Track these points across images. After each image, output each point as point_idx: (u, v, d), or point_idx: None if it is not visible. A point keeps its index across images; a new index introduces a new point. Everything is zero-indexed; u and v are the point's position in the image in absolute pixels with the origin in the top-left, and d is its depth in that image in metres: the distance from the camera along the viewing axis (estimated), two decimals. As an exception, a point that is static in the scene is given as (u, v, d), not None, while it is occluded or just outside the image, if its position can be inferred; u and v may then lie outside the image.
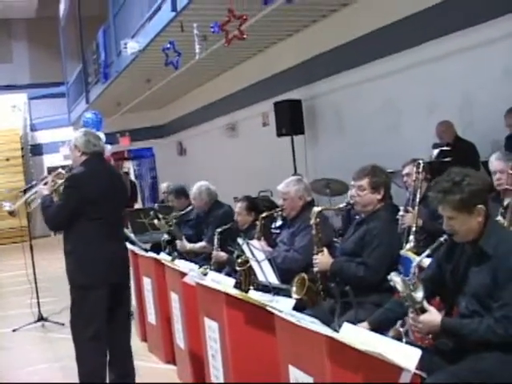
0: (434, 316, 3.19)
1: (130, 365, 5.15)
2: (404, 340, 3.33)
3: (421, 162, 5.78)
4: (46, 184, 5.20)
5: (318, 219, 4.72)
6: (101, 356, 4.89)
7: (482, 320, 3.08)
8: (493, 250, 3.14)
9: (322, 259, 4.58)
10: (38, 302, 8.55)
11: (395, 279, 3.21)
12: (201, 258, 7.10)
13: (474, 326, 3.07)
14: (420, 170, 5.70)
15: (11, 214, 5.76)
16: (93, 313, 4.80)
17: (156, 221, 8.17)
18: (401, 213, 5.72)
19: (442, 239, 3.35)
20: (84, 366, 4.86)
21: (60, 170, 5.36)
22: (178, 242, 7.42)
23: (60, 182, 5.18)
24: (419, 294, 3.19)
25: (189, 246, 7.27)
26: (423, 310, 3.20)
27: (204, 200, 7.26)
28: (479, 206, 3.17)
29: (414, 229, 5.43)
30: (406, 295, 3.20)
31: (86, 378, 4.84)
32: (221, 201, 7.60)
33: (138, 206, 17.26)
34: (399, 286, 3.20)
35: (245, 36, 8.62)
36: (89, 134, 5.09)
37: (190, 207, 7.68)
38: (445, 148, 6.92)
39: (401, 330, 3.42)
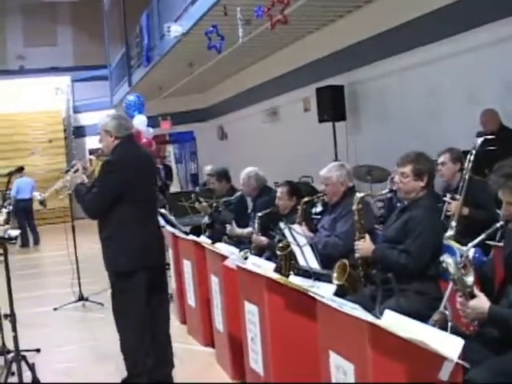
0: (482, 302, 3.12)
1: (169, 350, 5.11)
2: (449, 324, 3.27)
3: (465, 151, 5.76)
4: (76, 172, 5.07)
5: (360, 205, 4.68)
6: (144, 344, 4.82)
7: None
8: None
9: (364, 245, 4.54)
10: (79, 282, 8.68)
11: (447, 261, 3.15)
12: (240, 243, 7.09)
13: None
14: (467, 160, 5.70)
15: (42, 203, 5.63)
16: (134, 298, 4.76)
17: (197, 203, 8.16)
18: (447, 199, 5.70)
19: (498, 224, 3.31)
20: (129, 355, 4.83)
21: (90, 156, 5.31)
22: (227, 226, 7.38)
23: (91, 168, 5.13)
24: (470, 279, 3.14)
25: (238, 230, 7.22)
26: (472, 296, 3.14)
27: (252, 186, 7.21)
28: None
29: (456, 217, 5.40)
30: (457, 278, 3.14)
31: (132, 367, 4.82)
32: (270, 186, 7.54)
33: (173, 188, 17.41)
34: (451, 268, 3.14)
35: (288, 20, 8.59)
36: (119, 117, 4.99)
37: (238, 193, 7.59)
38: (489, 136, 6.82)
39: (446, 312, 3.36)
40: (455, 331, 3.29)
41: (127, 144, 4.90)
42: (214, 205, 8.06)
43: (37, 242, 16.79)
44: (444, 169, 5.96)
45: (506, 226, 3.31)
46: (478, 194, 5.71)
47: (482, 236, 3.34)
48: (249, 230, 6.89)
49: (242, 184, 7.33)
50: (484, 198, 5.63)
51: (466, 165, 5.70)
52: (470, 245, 3.28)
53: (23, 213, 16.34)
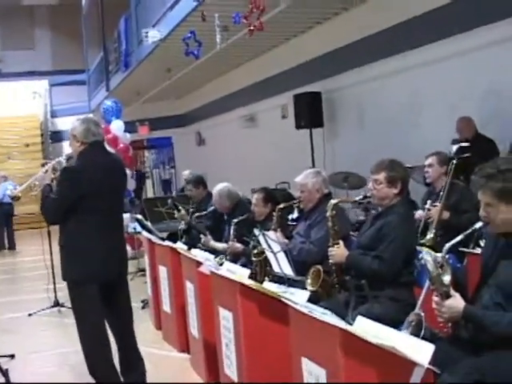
0: (458, 302, 3.15)
1: (134, 354, 5.01)
2: (424, 325, 3.28)
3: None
4: (46, 172, 4.97)
5: (334, 211, 4.70)
6: (102, 346, 4.75)
7: (506, 314, 3.05)
8: None
9: (338, 251, 4.57)
10: (55, 288, 8.62)
11: (426, 258, 3.18)
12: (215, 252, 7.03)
13: (497, 318, 3.04)
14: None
15: (13, 198, 5.53)
16: (86, 308, 4.69)
17: (176, 212, 8.10)
18: (427, 206, 5.87)
19: (477, 226, 3.34)
20: (88, 356, 4.77)
21: (60, 158, 5.11)
22: (202, 237, 7.30)
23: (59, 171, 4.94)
24: (447, 278, 3.17)
25: (212, 243, 7.15)
26: (448, 296, 3.17)
27: (225, 204, 7.12)
28: None
29: (436, 221, 5.54)
30: (435, 275, 3.16)
31: (92, 368, 4.77)
32: (245, 199, 7.42)
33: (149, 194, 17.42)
34: (430, 266, 3.16)
35: (263, 27, 8.61)
36: (88, 121, 4.80)
37: (211, 208, 7.45)
38: (464, 144, 6.89)
39: (422, 314, 3.38)
40: (429, 332, 3.32)
41: (92, 151, 4.72)
42: (191, 210, 8.04)
43: (12, 246, 16.73)
44: (431, 170, 6.22)
45: (485, 229, 3.35)
46: (459, 199, 5.86)
47: (461, 236, 3.38)
48: (223, 245, 6.81)
49: (214, 201, 7.20)
50: (465, 202, 5.76)
51: (448, 170, 5.88)
52: (448, 245, 3.31)
53: (4, 217, 16.44)
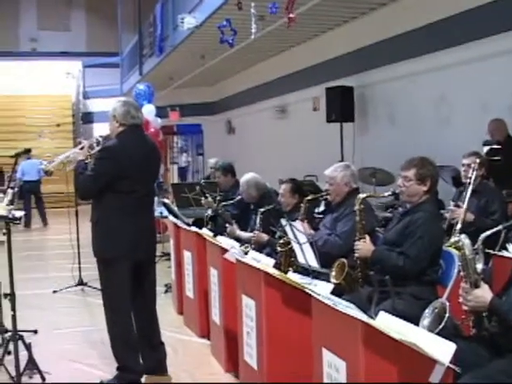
0: (486, 292, 3.13)
1: (155, 336, 5.10)
2: (447, 315, 3.28)
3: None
4: (82, 149, 5.05)
5: (362, 206, 4.71)
6: (125, 325, 4.85)
7: None
8: None
9: (364, 246, 4.57)
10: (80, 267, 8.72)
11: (464, 241, 3.19)
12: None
13: None
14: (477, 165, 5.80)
15: (47, 173, 5.61)
16: (115, 285, 4.77)
17: (203, 199, 8.14)
18: (451, 207, 5.78)
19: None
20: (111, 330, 4.87)
21: (98, 137, 5.17)
22: (228, 226, 7.32)
23: (96, 149, 5.01)
24: (479, 266, 3.18)
25: (238, 232, 7.17)
26: (477, 286, 3.16)
27: (252, 194, 7.11)
28: None
29: (459, 224, 5.47)
30: (470, 259, 3.17)
31: (113, 345, 4.87)
32: (272, 190, 7.41)
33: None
34: (467, 249, 3.18)
35: (295, 19, 8.61)
36: (129, 104, 4.91)
37: (238, 197, 7.44)
38: (495, 146, 6.85)
39: (447, 303, 3.37)
40: (452, 323, 3.32)
41: (130, 133, 4.83)
42: (218, 198, 8.06)
43: (45, 223, 17.03)
44: (469, 171, 5.93)
45: None
46: (488, 201, 5.81)
47: (500, 227, 3.38)
48: (249, 234, 6.83)
49: (242, 191, 7.23)
50: (494, 205, 5.72)
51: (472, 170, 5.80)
52: (484, 234, 3.32)
53: (29, 194, 16.70)
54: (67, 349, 6.07)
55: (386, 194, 4.98)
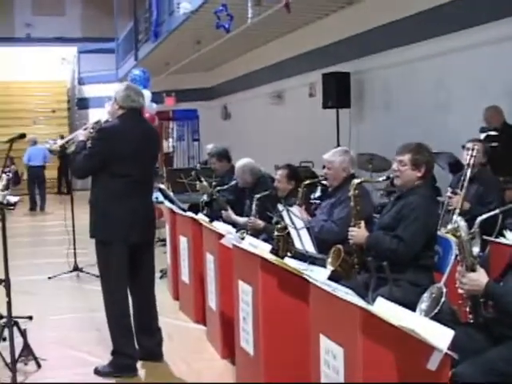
0: (481, 276, 3.12)
1: (154, 321, 5.17)
2: (443, 299, 3.26)
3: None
4: (85, 129, 5.16)
5: (356, 191, 4.67)
6: (122, 308, 4.91)
7: None
8: None
9: (359, 232, 4.54)
10: (75, 253, 8.71)
11: (460, 223, 3.17)
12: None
13: None
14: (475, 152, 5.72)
15: (51, 152, 5.65)
16: (110, 266, 4.84)
17: (198, 183, 8.12)
18: (448, 194, 5.75)
19: None
20: (107, 312, 4.92)
21: (100, 118, 5.28)
22: (223, 212, 7.32)
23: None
24: (476, 249, 3.16)
25: (233, 217, 7.17)
26: (473, 269, 3.15)
27: (247, 180, 7.10)
28: None
29: (457, 211, 5.44)
30: (466, 241, 3.16)
31: (110, 323, 4.92)
32: (267, 175, 7.40)
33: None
34: (463, 231, 3.17)
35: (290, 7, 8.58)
36: (130, 88, 5.01)
37: (233, 182, 7.43)
38: (492, 133, 6.82)
39: (444, 288, 3.35)
40: (448, 308, 3.30)
41: (129, 116, 4.90)
42: (214, 183, 8.04)
43: (43, 208, 17.38)
44: (469, 156, 5.82)
45: None
46: (485, 188, 5.78)
47: (496, 211, 3.36)
48: (244, 219, 6.82)
49: (237, 176, 7.23)
50: (491, 192, 5.69)
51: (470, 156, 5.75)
52: (480, 218, 3.30)
53: (34, 179, 17.34)
54: (62, 335, 6.05)
55: (381, 178, 4.94)
